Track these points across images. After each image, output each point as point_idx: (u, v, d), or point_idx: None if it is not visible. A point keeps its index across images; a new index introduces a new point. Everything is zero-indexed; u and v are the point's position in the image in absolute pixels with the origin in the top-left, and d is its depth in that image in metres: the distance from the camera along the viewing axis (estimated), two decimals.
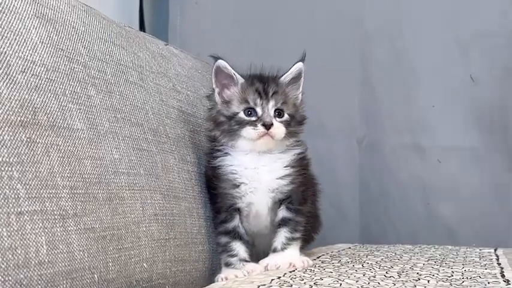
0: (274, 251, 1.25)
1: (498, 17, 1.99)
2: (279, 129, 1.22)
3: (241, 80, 1.25)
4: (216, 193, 1.28)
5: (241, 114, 1.23)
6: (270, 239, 1.27)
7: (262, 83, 1.24)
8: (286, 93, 1.27)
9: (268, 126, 1.20)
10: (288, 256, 1.23)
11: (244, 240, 1.26)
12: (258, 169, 1.25)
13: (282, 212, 1.26)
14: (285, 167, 1.26)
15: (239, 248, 1.24)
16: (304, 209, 1.28)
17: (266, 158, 1.25)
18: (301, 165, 1.29)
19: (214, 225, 1.30)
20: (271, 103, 1.23)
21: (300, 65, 1.29)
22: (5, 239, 0.80)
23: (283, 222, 1.26)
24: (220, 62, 1.24)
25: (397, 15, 2.08)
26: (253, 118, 1.22)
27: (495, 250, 1.57)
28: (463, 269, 1.22)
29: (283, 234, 1.25)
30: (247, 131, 1.22)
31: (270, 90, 1.23)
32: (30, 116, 0.90)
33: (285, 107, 1.25)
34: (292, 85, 1.29)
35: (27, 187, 0.85)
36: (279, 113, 1.24)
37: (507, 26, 1.97)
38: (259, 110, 1.22)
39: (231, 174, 1.25)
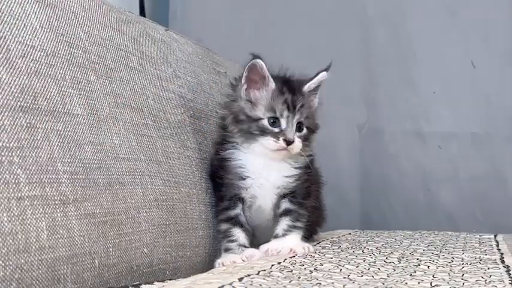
0: (276, 237, 1.24)
1: (499, 3, 1.98)
2: (297, 145, 1.22)
3: (272, 85, 1.23)
4: (221, 182, 1.27)
5: (265, 122, 1.21)
6: (271, 229, 1.27)
7: (292, 94, 1.23)
8: (310, 106, 1.27)
9: (289, 142, 1.20)
10: (289, 242, 1.22)
11: (245, 228, 1.25)
12: (267, 167, 1.25)
13: (285, 204, 1.26)
14: (293, 168, 1.26)
15: (239, 234, 1.24)
16: (307, 203, 1.28)
17: (276, 160, 1.25)
18: (308, 165, 1.28)
19: (216, 212, 1.30)
20: (296, 117, 1.22)
21: (324, 74, 1.28)
22: (6, 224, 0.80)
23: (286, 212, 1.25)
24: (258, 62, 1.21)
25: (399, 0, 2.07)
26: (276, 129, 1.21)
27: (495, 236, 1.58)
28: (463, 255, 1.23)
29: (285, 222, 1.25)
30: (268, 141, 1.21)
31: (298, 104, 1.22)
32: (30, 101, 0.89)
33: (306, 121, 1.25)
34: (313, 93, 1.29)
35: (28, 172, 0.85)
36: (299, 126, 1.23)
37: (508, 11, 1.97)
38: (283, 123, 1.21)
39: (239, 168, 1.25)
